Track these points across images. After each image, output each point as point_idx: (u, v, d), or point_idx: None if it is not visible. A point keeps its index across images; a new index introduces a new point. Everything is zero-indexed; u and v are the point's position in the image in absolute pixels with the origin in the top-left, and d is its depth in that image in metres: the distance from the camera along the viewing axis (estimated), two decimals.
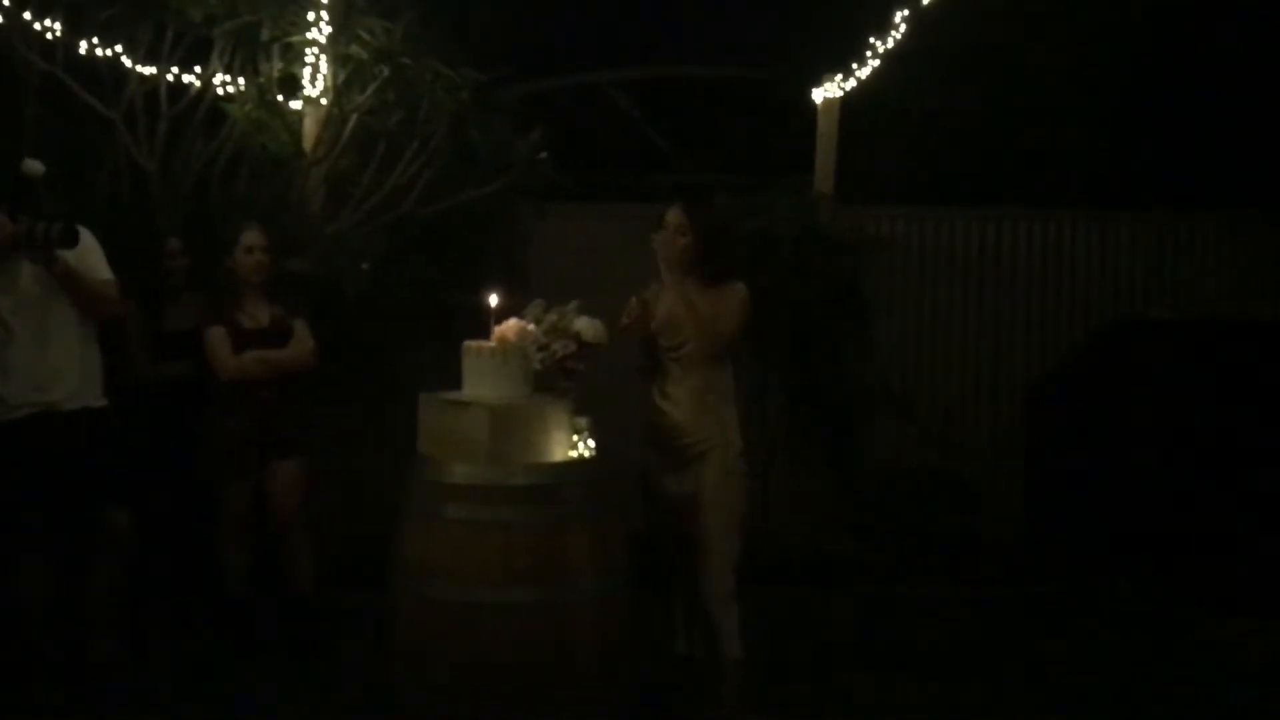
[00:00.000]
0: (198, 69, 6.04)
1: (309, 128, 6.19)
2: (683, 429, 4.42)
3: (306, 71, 6.06)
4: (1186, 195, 7.65)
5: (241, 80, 6.09)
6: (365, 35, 6.01)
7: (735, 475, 4.43)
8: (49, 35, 5.77)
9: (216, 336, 5.28)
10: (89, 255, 4.74)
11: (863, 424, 7.06)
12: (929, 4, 6.68)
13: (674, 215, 4.44)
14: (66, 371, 4.73)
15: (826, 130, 7.09)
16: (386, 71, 6.04)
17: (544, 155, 6.29)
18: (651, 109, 9.04)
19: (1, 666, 4.72)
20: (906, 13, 6.76)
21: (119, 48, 5.87)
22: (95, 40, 5.81)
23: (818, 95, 7.10)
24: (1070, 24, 7.92)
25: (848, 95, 7.05)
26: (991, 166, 7.93)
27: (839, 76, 7.02)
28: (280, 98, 6.15)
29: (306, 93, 6.12)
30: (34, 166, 4.79)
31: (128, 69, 5.91)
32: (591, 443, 4.39)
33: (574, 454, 4.32)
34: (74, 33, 5.78)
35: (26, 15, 5.71)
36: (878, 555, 6.69)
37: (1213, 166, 7.78)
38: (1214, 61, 7.94)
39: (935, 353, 7.48)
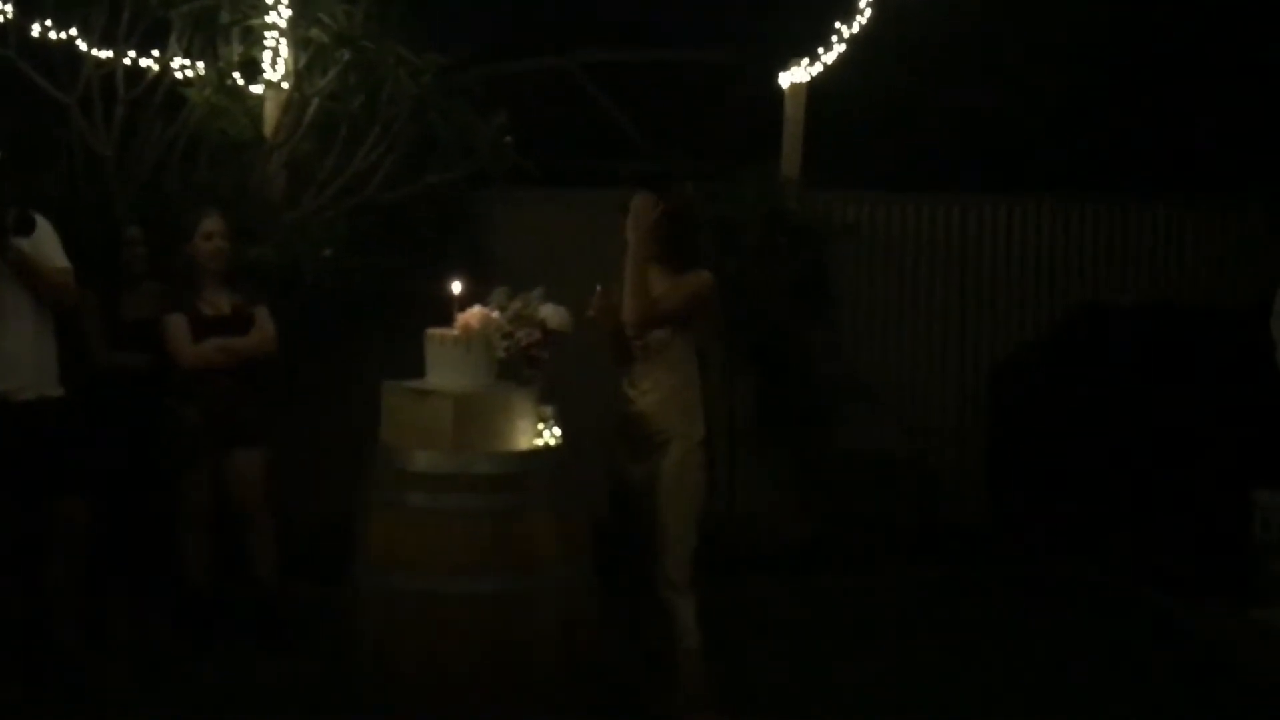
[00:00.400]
0: (155, 52, 5.95)
1: (269, 112, 6.12)
2: (648, 418, 4.40)
3: (266, 55, 5.98)
4: (1152, 181, 7.68)
5: (200, 64, 6.01)
6: (325, 19, 5.95)
7: (693, 465, 4.40)
8: (0, 18, 5.66)
9: (176, 325, 5.21)
10: (45, 243, 4.67)
11: (829, 410, 7.05)
12: None
13: (645, 202, 4.39)
14: (22, 361, 4.66)
15: (794, 115, 7.08)
16: (347, 55, 5.97)
17: (508, 140, 6.25)
18: (618, 94, 8.98)
19: None
20: None
21: (73, 30, 5.77)
22: (49, 23, 5.71)
23: (784, 80, 7.08)
24: (1038, 8, 7.92)
25: (815, 80, 7.03)
26: (958, 152, 7.93)
27: (805, 61, 7.00)
28: (240, 82, 6.07)
29: (267, 77, 6.04)
30: None
31: (83, 52, 5.81)
32: (557, 431, 4.36)
33: (539, 442, 4.29)
34: (26, 15, 5.68)
35: None
36: (843, 541, 6.69)
37: (1178, 153, 7.81)
38: (1181, 48, 7.96)
39: (901, 338, 7.48)
